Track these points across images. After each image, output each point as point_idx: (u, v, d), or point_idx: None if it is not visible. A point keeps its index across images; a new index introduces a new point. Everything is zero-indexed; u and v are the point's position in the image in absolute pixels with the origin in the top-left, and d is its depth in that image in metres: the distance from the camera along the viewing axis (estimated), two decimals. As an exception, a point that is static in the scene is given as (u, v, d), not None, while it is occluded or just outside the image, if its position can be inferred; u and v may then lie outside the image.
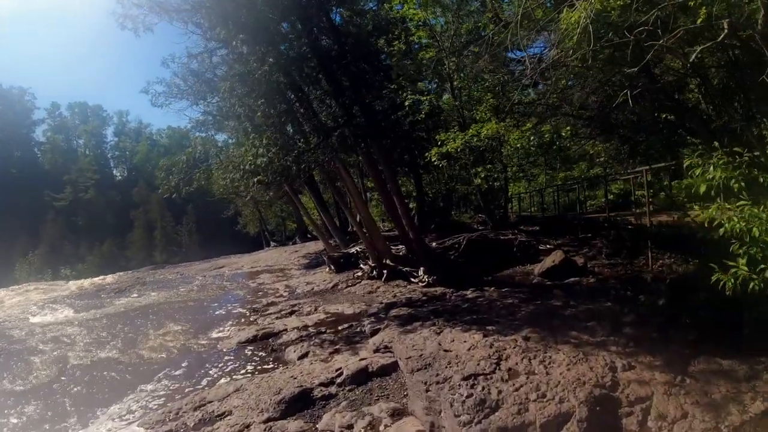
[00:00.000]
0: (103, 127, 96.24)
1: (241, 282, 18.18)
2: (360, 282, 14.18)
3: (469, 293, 10.77)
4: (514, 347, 5.72)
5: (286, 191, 20.96)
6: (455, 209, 24.60)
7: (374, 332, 8.73)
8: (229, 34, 8.87)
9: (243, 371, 7.94)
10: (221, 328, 11.06)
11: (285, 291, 14.85)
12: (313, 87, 11.31)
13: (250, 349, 9.08)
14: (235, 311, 12.74)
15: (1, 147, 78.30)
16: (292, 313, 11.79)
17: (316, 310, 11.69)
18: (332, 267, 15.94)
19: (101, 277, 30.01)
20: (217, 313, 12.84)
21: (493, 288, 10.93)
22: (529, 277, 11.81)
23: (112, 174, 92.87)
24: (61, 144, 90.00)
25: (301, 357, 8.16)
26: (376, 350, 7.56)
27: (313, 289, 14.51)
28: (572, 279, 10.75)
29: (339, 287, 14.16)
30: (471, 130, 11.39)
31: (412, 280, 12.73)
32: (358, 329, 9.39)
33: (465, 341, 6.17)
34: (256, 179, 10.66)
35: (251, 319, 11.64)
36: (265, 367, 8.02)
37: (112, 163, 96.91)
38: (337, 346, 8.44)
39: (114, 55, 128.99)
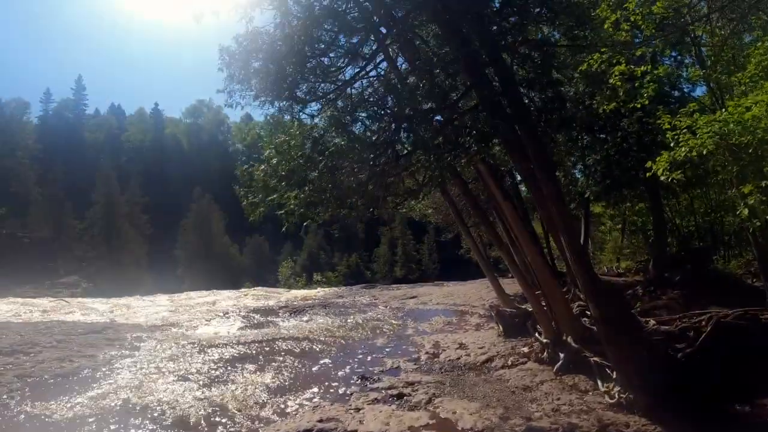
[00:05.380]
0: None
1: (401, 322, 15.07)
2: (524, 363, 9.28)
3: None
4: None
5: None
6: (724, 250, 15.67)
7: None
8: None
9: None
10: (294, 400, 7.99)
11: (427, 352, 10.93)
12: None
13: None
14: (341, 372, 9.64)
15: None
16: (399, 397, 8.02)
17: (428, 403, 7.61)
18: (500, 326, 11.33)
19: (319, 289, 31.95)
20: (320, 369, 9.89)
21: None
22: None
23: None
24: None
25: None
26: None
27: (460, 357, 10.24)
28: None
29: (492, 364, 9.53)
30: (723, 113, 5.62)
31: (600, 384, 7.30)
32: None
33: None
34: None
35: (344, 393, 8.40)
36: None
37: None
38: None
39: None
